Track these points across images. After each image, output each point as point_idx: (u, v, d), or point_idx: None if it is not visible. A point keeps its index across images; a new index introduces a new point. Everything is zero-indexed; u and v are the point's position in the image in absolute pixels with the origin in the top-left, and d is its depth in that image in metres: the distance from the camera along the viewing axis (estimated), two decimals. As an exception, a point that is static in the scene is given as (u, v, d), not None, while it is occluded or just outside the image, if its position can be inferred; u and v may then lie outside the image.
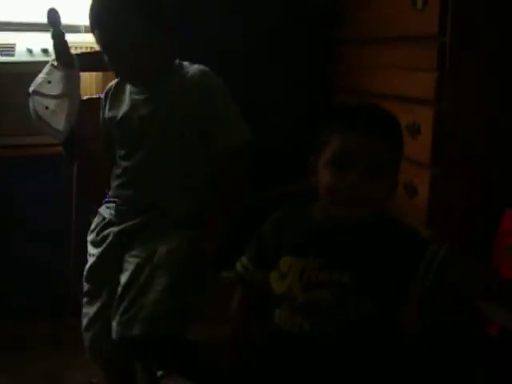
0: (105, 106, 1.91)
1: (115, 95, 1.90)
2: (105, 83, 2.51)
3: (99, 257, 1.81)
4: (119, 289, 1.72)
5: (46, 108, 1.92)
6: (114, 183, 1.88)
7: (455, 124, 1.93)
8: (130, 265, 1.73)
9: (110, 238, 1.80)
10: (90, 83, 2.57)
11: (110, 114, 1.88)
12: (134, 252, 1.75)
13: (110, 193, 1.91)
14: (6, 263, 2.64)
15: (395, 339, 1.38)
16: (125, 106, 1.85)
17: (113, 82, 1.94)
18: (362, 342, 1.32)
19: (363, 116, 1.36)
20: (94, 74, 2.58)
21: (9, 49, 2.55)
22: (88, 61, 1.97)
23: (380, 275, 1.32)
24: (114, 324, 1.67)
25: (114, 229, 1.81)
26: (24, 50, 2.55)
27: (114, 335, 1.67)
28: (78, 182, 2.23)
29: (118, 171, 1.87)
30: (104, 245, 1.81)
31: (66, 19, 2.45)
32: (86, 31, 2.54)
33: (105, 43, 1.76)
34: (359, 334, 1.32)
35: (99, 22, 1.75)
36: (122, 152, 1.85)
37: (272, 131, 2.69)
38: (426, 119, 1.93)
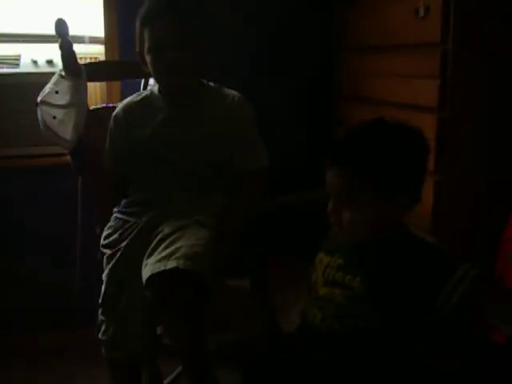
0: (122, 125, 1.94)
1: (138, 113, 1.92)
2: (109, 93, 2.54)
3: (126, 247, 1.80)
4: (155, 241, 1.74)
5: (54, 117, 1.93)
6: (136, 194, 1.92)
7: (458, 131, 1.94)
8: (165, 229, 1.76)
9: (137, 229, 1.82)
10: (95, 93, 2.58)
11: (136, 131, 1.90)
12: (165, 227, 1.78)
13: (126, 200, 1.94)
14: (6, 274, 2.63)
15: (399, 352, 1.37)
16: (155, 124, 1.88)
17: (129, 100, 1.97)
18: (364, 348, 1.33)
19: (337, 145, 1.42)
20: (98, 83, 2.59)
21: (14, 60, 2.56)
22: (95, 71, 1.98)
23: (393, 290, 1.31)
24: (147, 266, 1.67)
25: (144, 218, 1.83)
26: (29, 61, 2.56)
27: (144, 278, 1.65)
28: (84, 193, 2.24)
29: (140, 186, 1.92)
30: (132, 235, 1.82)
31: (70, 30, 2.49)
32: (91, 42, 2.59)
33: (154, 41, 1.79)
34: (364, 341, 1.33)
35: (151, 20, 1.79)
36: (148, 167, 1.89)
37: (271, 142, 2.71)
38: (428, 126, 1.92)
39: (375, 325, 1.31)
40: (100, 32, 2.60)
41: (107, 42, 2.57)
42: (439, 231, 1.96)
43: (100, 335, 1.79)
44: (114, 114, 1.95)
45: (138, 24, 1.83)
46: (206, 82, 1.96)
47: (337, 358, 1.34)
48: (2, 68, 2.53)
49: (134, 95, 1.99)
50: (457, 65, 1.89)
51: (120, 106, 1.97)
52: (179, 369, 2.15)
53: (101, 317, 1.80)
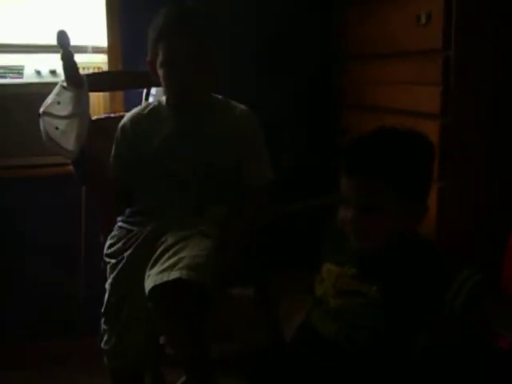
0: (129, 136, 1.94)
1: (146, 124, 1.93)
2: (112, 103, 2.55)
3: (130, 256, 1.81)
4: (158, 251, 1.74)
5: (56, 128, 1.93)
6: (139, 204, 1.93)
7: (460, 137, 1.94)
8: (168, 239, 1.77)
9: (141, 238, 1.83)
10: (98, 103, 2.59)
11: (143, 142, 1.91)
12: (168, 237, 1.78)
13: (130, 210, 1.94)
14: (8, 283, 2.64)
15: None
16: (162, 136, 1.89)
17: (137, 111, 1.98)
18: (382, 354, 1.33)
19: (350, 154, 1.39)
20: (101, 94, 2.59)
21: (17, 70, 2.57)
22: (96, 81, 1.98)
23: (407, 296, 1.32)
24: (150, 276, 1.67)
25: (148, 228, 1.84)
26: (32, 71, 2.57)
27: (147, 289, 1.65)
28: (87, 202, 2.24)
29: (144, 196, 1.93)
30: (135, 244, 1.82)
31: (73, 40, 2.51)
32: (94, 51, 2.60)
33: (169, 54, 1.80)
34: (383, 347, 1.33)
35: (166, 34, 1.80)
36: (153, 178, 1.90)
37: (273, 150, 2.71)
38: (431, 133, 1.90)
39: (383, 330, 1.32)
40: (103, 42, 2.61)
41: (110, 51, 2.57)
42: (443, 238, 1.96)
43: (102, 344, 1.80)
44: (121, 124, 1.96)
45: (152, 36, 1.84)
46: (213, 94, 1.97)
47: (348, 368, 1.33)
48: (6, 78, 2.55)
49: (142, 106, 2.00)
50: (459, 71, 1.89)
51: (127, 116, 1.97)
52: (183, 378, 2.14)
53: (103, 326, 1.80)
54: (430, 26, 1.94)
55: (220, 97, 1.97)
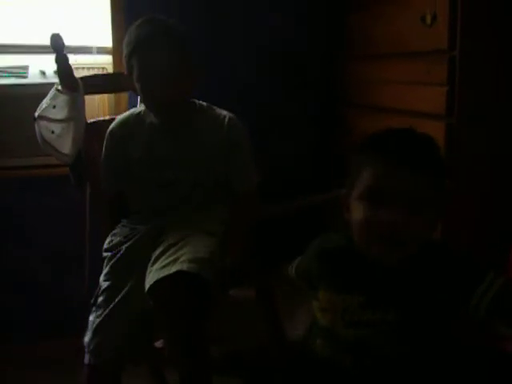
0: (118, 141, 1.92)
1: (133, 129, 1.91)
2: (117, 105, 2.54)
3: (128, 248, 1.80)
4: (158, 251, 1.73)
5: (52, 132, 1.92)
6: (135, 215, 1.93)
7: (466, 137, 1.92)
8: (169, 237, 1.76)
9: (141, 233, 1.83)
10: (103, 105, 2.58)
11: (126, 151, 1.90)
12: (169, 236, 1.77)
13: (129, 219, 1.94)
14: (9, 284, 2.66)
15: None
16: (147, 144, 1.88)
17: (125, 115, 1.96)
18: (405, 377, 1.25)
19: (396, 145, 1.24)
20: (106, 96, 2.59)
21: (22, 71, 2.58)
22: (92, 84, 1.97)
23: (427, 309, 1.23)
24: (150, 274, 1.66)
25: (148, 225, 1.84)
26: (37, 71, 2.58)
27: (147, 285, 1.64)
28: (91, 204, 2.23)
29: (139, 205, 1.93)
30: (135, 238, 1.82)
31: (77, 41, 2.51)
32: (98, 52, 2.59)
33: (142, 69, 1.78)
34: (404, 369, 1.24)
35: (139, 48, 1.77)
36: (143, 187, 1.89)
37: (279, 149, 2.69)
38: (436, 133, 1.89)
39: (408, 350, 1.24)
40: (108, 42, 2.60)
41: (115, 52, 2.57)
42: (449, 238, 1.92)
43: (85, 337, 1.75)
44: (109, 129, 1.94)
45: (125, 50, 1.81)
46: (197, 101, 1.95)
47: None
48: (11, 78, 2.55)
49: (129, 111, 1.98)
50: (464, 71, 1.87)
51: (115, 121, 1.95)
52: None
53: (90, 318, 1.77)
54: (435, 27, 1.92)
55: (204, 104, 1.96)
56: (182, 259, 1.64)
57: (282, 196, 2.10)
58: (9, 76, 2.55)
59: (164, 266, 1.64)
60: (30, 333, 2.65)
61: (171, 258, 1.66)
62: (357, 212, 1.25)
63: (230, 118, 1.91)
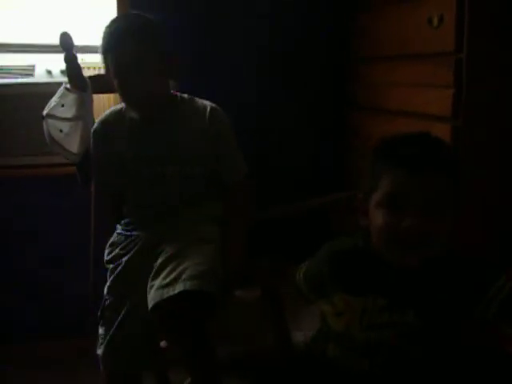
0: (101, 141, 1.91)
1: (115, 126, 1.90)
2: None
3: (128, 261, 1.80)
4: (158, 263, 1.73)
5: (60, 131, 1.93)
6: (130, 214, 1.92)
7: (472, 140, 1.91)
8: (168, 248, 1.76)
9: (139, 243, 1.82)
10: (109, 104, 2.58)
11: (112, 149, 1.88)
12: (168, 246, 1.77)
13: (124, 221, 1.93)
14: (17, 282, 2.67)
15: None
16: (130, 140, 1.87)
17: (106, 113, 1.95)
18: (423, 378, 1.25)
19: (412, 150, 1.25)
20: (111, 95, 2.59)
21: (29, 70, 2.59)
22: (100, 83, 1.97)
23: (445, 310, 1.24)
24: (152, 291, 1.66)
25: (144, 233, 1.83)
26: (43, 71, 2.60)
27: (151, 303, 1.64)
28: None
29: (132, 204, 1.91)
30: (134, 249, 1.82)
31: (84, 40, 2.51)
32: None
33: (116, 67, 1.78)
34: (421, 370, 1.24)
35: (112, 46, 1.78)
36: (132, 183, 1.88)
37: (285, 150, 2.69)
38: (442, 136, 1.86)
39: (428, 353, 1.24)
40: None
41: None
42: (453, 241, 1.92)
43: (98, 348, 1.78)
44: (92, 129, 1.93)
45: (101, 50, 1.82)
46: (178, 94, 1.94)
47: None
48: (17, 78, 2.57)
49: (111, 108, 1.97)
50: (471, 74, 1.86)
51: (98, 120, 1.94)
52: (188, 380, 2.13)
53: (100, 330, 1.79)
54: (442, 29, 1.91)
55: (185, 96, 1.94)
56: (183, 277, 1.65)
57: (286, 198, 2.09)
58: (15, 75, 2.56)
59: (167, 285, 1.64)
60: (38, 331, 2.67)
61: (173, 275, 1.67)
62: (377, 218, 1.26)
63: (211, 109, 1.89)
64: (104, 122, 1.92)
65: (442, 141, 1.32)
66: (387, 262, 1.27)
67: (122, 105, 1.92)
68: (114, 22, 1.83)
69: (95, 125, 1.93)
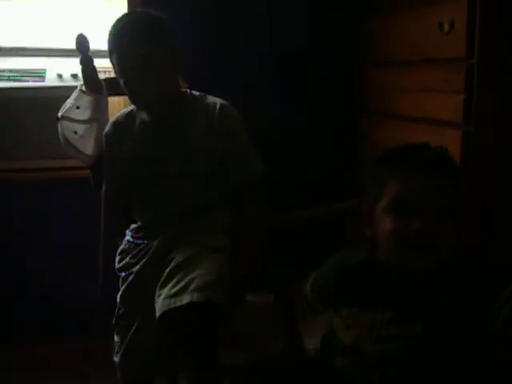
0: (113, 143, 1.92)
1: (127, 128, 1.90)
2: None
3: (139, 271, 1.81)
4: (166, 271, 1.72)
5: (75, 133, 1.93)
6: (140, 219, 1.91)
7: (483, 146, 1.91)
8: (178, 256, 1.75)
9: (150, 252, 1.81)
10: (119, 107, 2.58)
11: (124, 151, 1.88)
12: (177, 254, 1.76)
13: (134, 226, 1.93)
14: (28, 284, 2.68)
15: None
16: (141, 141, 1.86)
17: (118, 116, 1.95)
18: None
19: (417, 156, 1.29)
20: (122, 98, 2.59)
21: (39, 74, 2.60)
22: (115, 86, 1.98)
23: (454, 320, 1.23)
24: (160, 300, 1.66)
25: (155, 242, 1.82)
26: (54, 75, 2.60)
27: (158, 312, 1.65)
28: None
29: (142, 208, 1.91)
30: (144, 259, 1.81)
31: (98, 45, 2.52)
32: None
33: (121, 67, 1.78)
34: (431, 381, 1.24)
35: (117, 46, 1.77)
36: (143, 185, 1.87)
37: (295, 154, 2.69)
38: (453, 142, 1.91)
39: (439, 362, 1.23)
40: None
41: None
42: (464, 247, 1.92)
43: (114, 357, 1.81)
44: (104, 132, 1.93)
45: (108, 51, 1.82)
46: (189, 91, 1.92)
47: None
48: (28, 82, 2.58)
49: (122, 111, 1.97)
50: (482, 80, 1.86)
51: (109, 122, 1.94)
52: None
53: (115, 338, 1.82)
54: (453, 34, 1.91)
55: (196, 93, 1.91)
56: (191, 287, 1.64)
57: (296, 203, 2.09)
58: (26, 78, 2.57)
59: (174, 295, 1.64)
60: (51, 332, 2.68)
61: (181, 285, 1.66)
62: (385, 225, 1.28)
63: (221, 105, 1.85)
64: (115, 124, 1.92)
65: (444, 149, 1.35)
66: (395, 270, 1.28)
67: (133, 106, 1.91)
68: (118, 20, 1.81)
69: (107, 127, 1.93)
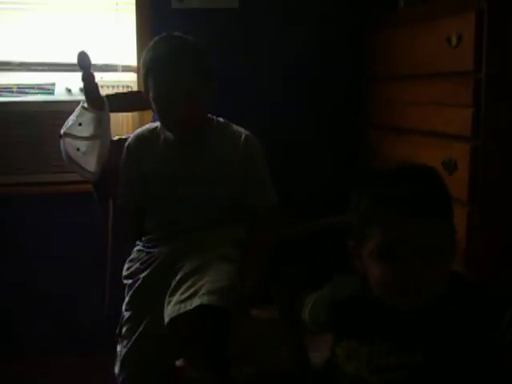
0: (134, 156, 1.94)
1: (150, 144, 1.92)
2: (141, 122, 2.56)
3: (146, 277, 1.80)
4: (176, 279, 1.73)
5: (78, 150, 1.94)
6: (153, 231, 1.92)
7: (492, 160, 1.89)
8: (188, 264, 1.76)
9: (159, 260, 1.82)
10: (127, 123, 2.60)
11: (143, 165, 1.91)
12: (188, 262, 1.77)
13: (146, 238, 1.94)
14: (31, 300, 2.68)
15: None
16: (163, 159, 1.89)
17: (142, 129, 1.98)
18: None
19: (402, 193, 1.17)
20: (130, 114, 2.61)
21: (49, 88, 2.62)
22: (117, 102, 1.98)
23: (454, 346, 1.19)
24: (170, 306, 1.66)
25: (164, 249, 1.83)
26: (63, 89, 2.62)
27: (167, 318, 1.65)
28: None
29: (156, 221, 1.92)
30: (153, 266, 1.82)
31: (104, 59, 2.53)
32: (123, 70, 2.62)
33: (158, 90, 1.79)
34: None
35: (154, 70, 1.79)
36: (160, 201, 1.89)
37: (303, 168, 2.68)
38: (462, 155, 1.90)
39: None
40: (133, 60, 2.63)
41: (140, 70, 2.56)
42: (472, 263, 1.90)
43: (115, 365, 1.79)
44: (126, 143, 1.96)
45: (142, 70, 1.84)
46: (214, 118, 1.96)
47: None
48: (37, 95, 2.60)
49: (146, 126, 2.00)
50: (490, 93, 1.85)
51: (132, 136, 1.97)
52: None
53: (118, 347, 1.80)
54: (461, 48, 1.90)
55: (221, 120, 1.96)
56: (201, 292, 1.65)
57: (304, 216, 2.08)
58: (36, 92, 2.59)
59: (184, 300, 1.65)
60: (57, 346, 2.66)
61: (191, 291, 1.67)
62: (372, 270, 1.22)
63: (246, 136, 1.91)
64: (139, 138, 1.95)
65: (434, 174, 1.24)
66: (388, 306, 1.23)
67: (157, 123, 1.94)
68: (155, 43, 1.84)
69: (130, 139, 1.96)
